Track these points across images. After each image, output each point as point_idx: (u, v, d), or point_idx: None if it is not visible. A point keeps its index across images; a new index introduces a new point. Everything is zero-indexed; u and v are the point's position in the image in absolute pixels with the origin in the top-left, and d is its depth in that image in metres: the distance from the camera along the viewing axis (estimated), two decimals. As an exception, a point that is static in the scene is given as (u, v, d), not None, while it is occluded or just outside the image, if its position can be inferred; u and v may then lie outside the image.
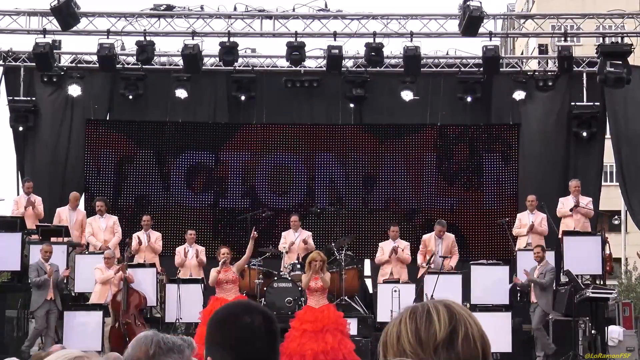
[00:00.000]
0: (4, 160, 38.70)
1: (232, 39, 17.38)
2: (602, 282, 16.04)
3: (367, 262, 18.26)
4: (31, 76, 18.70)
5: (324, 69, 18.10)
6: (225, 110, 19.18)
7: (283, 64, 18.50)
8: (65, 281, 15.16)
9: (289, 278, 15.38)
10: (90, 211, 17.25)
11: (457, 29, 17.16)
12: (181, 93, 18.58)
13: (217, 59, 17.87)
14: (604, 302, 15.08)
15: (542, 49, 19.47)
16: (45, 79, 18.64)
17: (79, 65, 18.83)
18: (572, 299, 14.67)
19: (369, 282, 18.17)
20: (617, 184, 19.04)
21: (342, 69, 18.04)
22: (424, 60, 18.05)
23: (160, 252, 16.71)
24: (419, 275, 15.88)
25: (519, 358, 14.94)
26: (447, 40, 17.93)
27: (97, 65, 17.87)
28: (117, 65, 18.01)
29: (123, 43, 18.26)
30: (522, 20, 19.10)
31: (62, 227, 16.36)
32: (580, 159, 18.54)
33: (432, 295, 14.19)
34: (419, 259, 16.13)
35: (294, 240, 16.52)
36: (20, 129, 18.66)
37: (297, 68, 18.17)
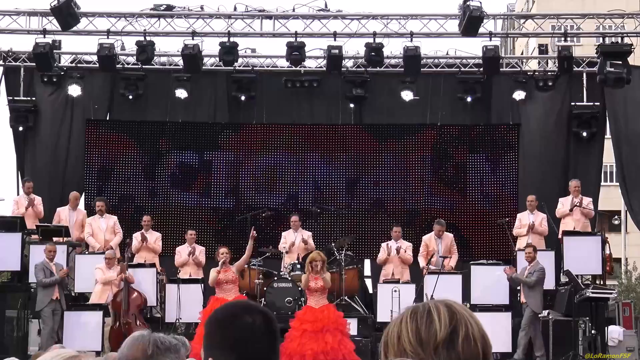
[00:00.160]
0: (4, 160, 38.71)
1: (232, 39, 17.37)
2: (602, 282, 16.04)
3: (367, 262, 18.26)
4: (31, 76, 18.69)
5: (324, 69, 18.09)
6: (225, 110, 19.17)
7: (283, 64, 18.49)
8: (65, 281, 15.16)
9: (289, 278, 15.38)
10: (90, 211, 17.25)
11: (457, 29, 17.16)
12: (181, 93, 18.58)
13: (217, 59, 17.86)
14: (604, 302, 15.08)
15: (542, 49, 19.48)
16: (45, 79, 18.64)
17: (79, 65, 18.82)
18: (572, 299, 14.67)
19: (369, 282, 18.17)
20: (617, 184, 19.05)
21: (342, 69, 18.03)
22: (424, 60, 18.05)
23: (160, 252, 16.71)
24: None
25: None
26: (447, 40, 17.94)
27: (97, 65, 17.87)
28: (117, 65, 18.01)
29: (123, 43, 18.25)
30: (522, 20, 19.10)
31: (62, 227, 16.36)
32: (580, 159, 18.54)
33: (432, 295, 14.19)
34: (421, 261, 16.08)
35: (294, 240, 16.52)
36: (20, 129, 18.66)
37: (297, 68, 18.17)
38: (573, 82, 18.59)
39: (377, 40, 17.43)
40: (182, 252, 16.56)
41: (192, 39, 17.26)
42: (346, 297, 15.67)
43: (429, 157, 18.76)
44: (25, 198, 17.02)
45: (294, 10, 17.66)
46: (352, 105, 19.04)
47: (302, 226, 16.93)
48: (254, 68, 18.86)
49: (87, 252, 16.35)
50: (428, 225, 16.90)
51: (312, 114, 19.19)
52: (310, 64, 18.58)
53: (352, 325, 14.08)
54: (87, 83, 18.71)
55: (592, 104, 18.41)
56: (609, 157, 19.23)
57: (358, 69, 18.64)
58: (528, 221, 16.57)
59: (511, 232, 16.78)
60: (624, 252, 35.87)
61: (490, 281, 15.07)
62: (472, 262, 15.98)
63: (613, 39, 17.51)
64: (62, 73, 18.71)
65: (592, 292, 14.35)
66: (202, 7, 17.73)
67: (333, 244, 16.36)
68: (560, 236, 16.42)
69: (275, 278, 15.53)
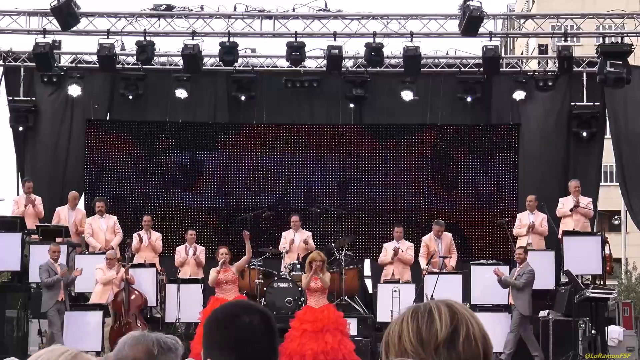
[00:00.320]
0: (4, 160, 38.69)
1: (232, 39, 17.37)
2: (602, 282, 16.03)
3: (367, 262, 18.26)
4: (31, 76, 18.69)
5: (324, 69, 18.09)
6: (225, 110, 19.18)
7: (283, 64, 18.49)
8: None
9: (289, 278, 15.38)
10: (91, 211, 17.25)
11: (457, 29, 17.15)
12: (181, 93, 18.58)
13: (217, 59, 17.86)
14: (604, 302, 15.08)
15: (542, 49, 19.48)
16: (45, 79, 18.64)
17: (79, 65, 18.82)
18: (572, 299, 14.67)
19: (369, 282, 18.17)
20: (617, 184, 19.05)
21: (342, 69, 18.03)
22: (424, 60, 18.05)
23: (160, 252, 16.72)
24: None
25: (519, 358, 14.94)
26: (447, 40, 17.93)
27: (97, 65, 17.86)
28: (117, 65, 18.00)
29: (123, 43, 18.25)
30: (522, 20, 19.09)
31: (62, 227, 16.36)
32: (580, 159, 18.54)
33: (432, 295, 14.18)
34: (422, 262, 16.06)
35: (294, 240, 16.52)
36: (20, 129, 18.66)
37: (297, 68, 18.17)
38: (573, 82, 18.59)
39: (377, 40, 17.42)
40: (182, 252, 16.56)
41: (192, 39, 17.26)
42: (346, 297, 15.67)
43: (429, 157, 18.76)
44: (25, 198, 17.02)
45: (294, 10, 17.65)
46: (352, 105, 19.04)
47: (302, 226, 16.93)
48: (254, 68, 18.86)
49: (87, 252, 16.36)
50: (428, 225, 16.90)
51: (312, 114, 19.19)
52: (310, 64, 18.59)
53: (352, 325, 14.09)
54: (87, 83, 18.71)
55: (592, 104, 18.41)
56: (609, 157, 19.23)
57: (358, 69, 18.64)
58: (528, 221, 16.57)
59: (511, 232, 16.78)
60: (624, 252, 35.87)
61: (490, 281, 15.05)
62: (472, 262, 15.97)
63: (613, 39, 17.51)
64: (62, 73, 18.71)
65: (592, 292, 14.34)
66: (202, 7, 17.72)
67: (333, 244, 16.36)
68: (560, 236, 16.42)
69: (275, 278, 15.53)
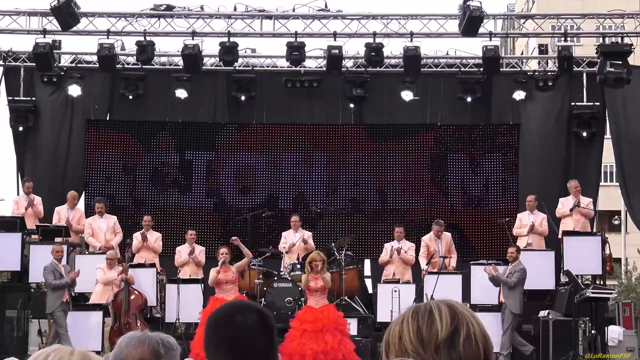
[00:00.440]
0: (4, 160, 38.73)
1: (232, 39, 17.36)
2: (602, 282, 16.04)
3: (367, 262, 18.26)
4: (31, 76, 18.69)
5: (324, 69, 18.09)
6: (225, 110, 19.17)
7: (283, 64, 18.49)
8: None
9: (289, 278, 15.38)
10: (91, 211, 17.26)
11: (457, 29, 17.15)
12: (181, 93, 18.57)
13: (217, 59, 17.86)
14: (604, 302, 15.08)
15: (542, 49, 19.47)
16: (45, 79, 18.63)
17: (79, 65, 18.82)
18: (572, 299, 14.67)
19: (369, 282, 18.17)
20: (617, 184, 19.05)
21: (342, 69, 18.03)
22: (424, 60, 18.05)
23: (160, 252, 16.72)
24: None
25: (519, 358, 14.94)
26: (447, 40, 17.93)
27: (97, 65, 17.86)
28: (117, 65, 18.00)
29: (123, 43, 18.25)
30: (522, 20, 19.09)
31: (62, 227, 16.36)
32: (580, 159, 18.54)
33: (432, 296, 14.18)
34: (422, 262, 16.05)
35: (294, 240, 16.52)
36: (20, 129, 18.66)
37: (297, 68, 18.17)
38: (573, 82, 18.59)
39: (377, 40, 17.42)
40: (182, 252, 16.57)
41: (192, 39, 17.25)
42: (346, 297, 15.67)
43: (429, 157, 18.76)
44: (25, 198, 17.02)
45: (294, 10, 17.65)
46: (352, 105, 19.03)
47: (302, 226, 16.93)
48: (254, 68, 18.86)
49: (87, 252, 16.36)
50: (428, 225, 16.90)
51: (312, 114, 19.19)
52: (310, 64, 18.59)
53: (352, 325, 14.09)
54: (87, 83, 18.71)
55: (592, 104, 18.41)
56: (609, 157, 19.23)
57: (358, 69, 18.64)
58: (528, 221, 16.58)
59: (511, 232, 16.79)
60: (624, 252, 35.85)
61: (490, 281, 15.04)
62: (472, 262, 15.97)
63: (613, 39, 17.50)
64: (62, 73, 18.70)
65: (592, 292, 14.34)
66: (202, 7, 17.72)
67: (333, 244, 16.36)
68: (560, 236, 16.43)
69: (275, 278, 15.53)
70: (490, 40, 17.30)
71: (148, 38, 17.34)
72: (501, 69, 18.12)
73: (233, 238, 14.61)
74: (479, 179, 18.66)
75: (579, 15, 18.08)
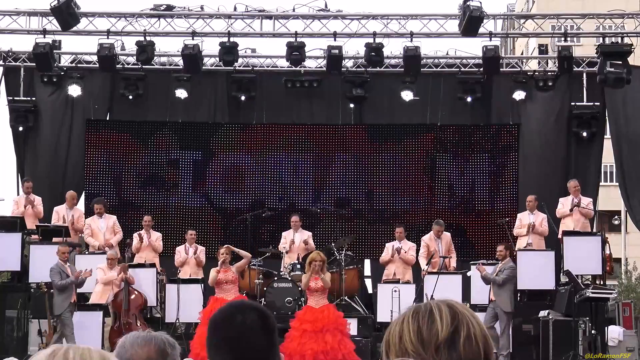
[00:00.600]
0: (4, 160, 38.70)
1: (232, 39, 17.36)
2: (602, 282, 16.04)
3: (367, 262, 18.26)
4: (31, 76, 18.69)
5: (324, 69, 18.09)
6: (225, 110, 19.17)
7: (283, 64, 18.49)
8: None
9: (289, 278, 15.39)
10: (90, 211, 17.25)
11: (457, 29, 17.15)
12: (181, 93, 18.58)
13: (217, 59, 17.86)
14: (604, 302, 15.08)
15: (542, 49, 19.47)
16: (45, 79, 18.64)
17: (79, 65, 18.82)
18: (572, 299, 14.67)
19: (369, 282, 18.17)
20: (617, 184, 19.04)
21: (342, 69, 18.03)
22: (424, 60, 18.05)
23: (160, 252, 16.72)
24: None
25: (519, 358, 14.95)
26: (447, 40, 17.93)
27: (97, 65, 17.86)
28: (117, 65, 18.00)
29: (123, 43, 18.25)
30: (522, 20, 19.09)
31: (62, 227, 16.35)
32: (580, 159, 18.55)
33: (432, 296, 14.17)
34: (422, 262, 16.04)
35: (294, 240, 16.52)
36: (20, 129, 18.65)
37: (297, 68, 18.17)
38: (573, 82, 18.59)
39: (377, 40, 17.42)
40: (182, 252, 16.57)
41: (192, 39, 17.25)
42: (346, 297, 15.67)
43: (429, 157, 18.76)
44: (24, 198, 17.02)
45: (294, 10, 17.65)
46: (352, 105, 19.03)
47: (302, 226, 16.93)
48: (254, 68, 18.86)
49: (87, 252, 16.36)
50: (428, 225, 16.90)
51: (312, 114, 19.19)
52: (310, 64, 18.59)
53: (352, 325, 14.09)
54: (87, 83, 18.71)
55: (592, 104, 18.41)
56: (609, 157, 19.23)
57: (358, 69, 18.64)
58: (528, 221, 16.58)
59: (511, 232, 16.79)
60: (624, 252, 35.84)
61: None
62: (472, 262, 15.96)
63: (613, 39, 17.50)
64: (62, 73, 18.71)
65: (592, 292, 14.34)
66: (202, 7, 17.72)
67: (333, 244, 16.36)
68: (560, 236, 16.43)
69: (275, 278, 15.53)
70: (490, 40, 17.30)
71: (148, 38, 17.34)
72: (501, 69, 18.12)
73: (225, 247, 14.50)
74: (479, 179, 18.66)
75: (579, 15, 18.08)
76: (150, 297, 15.21)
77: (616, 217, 37.09)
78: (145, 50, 17.26)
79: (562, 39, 17.47)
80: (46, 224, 16.60)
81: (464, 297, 14.83)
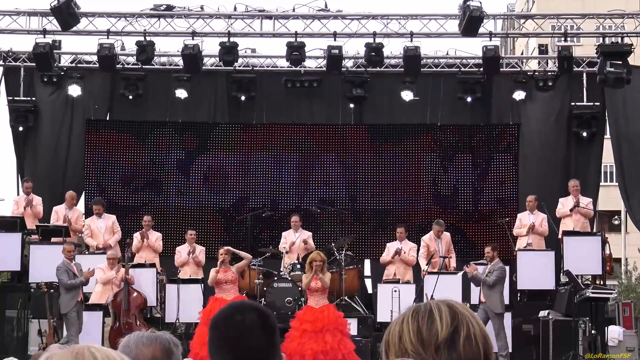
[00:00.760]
0: (4, 160, 38.71)
1: (232, 39, 17.36)
2: (602, 282, 16.04)
3: (367, 262, 18.26)
4: (31, 76, 18.69)
5: (324, 69, 18.09)
6: (225, 110, 19.17)
7: (283, 64, 18.49)
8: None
9: (289, 278, 15.38)
10: (90, 211, 17.26)
11: (457, 29, 17.15)
12: (181, 93, 18.57)
13: (217, 59, 17.86)
14: (604, 302, 15.08)
15: (542, 49, 19.47)
16: (45, 79, 18.63)
17: (79, 65, 18.82)
18: (572, 299, 14.67)
19: (368, 282, 18.17)
20: (617, 184, 19.04)
21: (342, 69, 18.03)
22: (424, 60, 18.04)
23: (160, 252, 16.72)
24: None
25: (518, 358, 14.95)
26: (447, 40, 17.92)
27: (97, 65, 17.86)
28: (117, 65, 18.00)
29: (123, 43, 18.24)
30: (522, 20, 19.09)
31: (62, 227, 16.35)
32: (580, 159, 18.54)
33: (432, 296, 14.16)
34: (422, 263, 16.02)
35: (294, 240, 16.52)
36: (20, 129, 18.65)
37: (297, 68, 18.17)
38: (573, 82, 18.59)
39: (377, 40, 17.42)
40: (182, 252, 16.57)
41: (192, 39, 17.25)
42: (346, 297, 15.67)
43: (429, 157, 18.76)
44: (24, 198, 17.01)
45: (294, 10, 17.65)
46: (352, 105, 19.03)
47: (302, 226, 16.93)
48: (254, 68, 18.86)
49: (87, 252, 16.35)
50: (428, 225, 16.89)
51: (312, 114, 19.19)
52: (310, 64, 18.58)
53: (352, 325, 14.09)
54: (87, 83, 18.71)
55: (592, 104, 18.41)
56: (609, 157, 19.23)
57: (358, 69, 18.63)
58: (528, 221, 16.58)
59: (511, 232, 16.79)
60: (624, 252, 35.85)
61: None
62: (472, 262, 15.94)
63: (613, 39, 17.50)
64: (62, 73, 18.70)
65: (592, 292, 14.34)
66: (202, 7, 17.72)
67: (333, 244, 16.36)
68: (560, 236, 16.43)
69: (275, 278, 15.53)
70: (490, 40, 17.29)
71: (148, 38, 17.33)
72: (501, 69, 18.12)
73: (225, 248, 14.46)
74: (479, 179, 18.66)
75: (579, 15, 18.08)
76: (150, 297, 15.21)
77: (616, 217, 37.09)
78: (145, 50, 17.26)
79: (562, 39, 17.47)
80: (46, 224, 16.60)
81: (464, 297, 14.82)
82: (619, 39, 17.31)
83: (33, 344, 14.78)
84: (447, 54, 18.77)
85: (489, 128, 18.97)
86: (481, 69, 17.97)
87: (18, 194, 17.90)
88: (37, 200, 17.04)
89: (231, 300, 12.86)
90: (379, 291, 15.59)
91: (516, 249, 16.35)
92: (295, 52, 17.24)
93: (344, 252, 16.04)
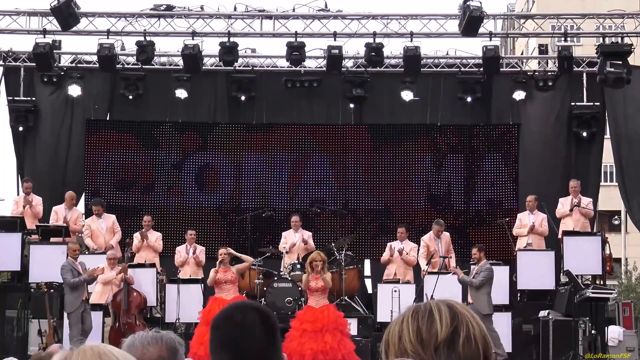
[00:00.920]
0: (4, 160, 38.72)
1: (232, 39, 17.36)
2: (602, 282, 16.04)
3: (367, 262, 18.26)
4: (31, 76, 18.68)
5: (324, 69, 18.09)
6: (225, 110, 19.17)
7: (283, 64, 18.49)
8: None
9: (289, 278, 15.38)
10: (90, 212, 17.26)
11: (457, 29, 17.15)
12: (181, 93, 18.57)
13: (217, 59, 17.86)
14: (604, 302, 15.08)
15: (542, 49, 19.47)
16: (45, 79, 18.63)
17: (79, 65, 18.82)
18: (572, 299, 14.67)
19: (368, 282, 18.17)
20: (617, 184, 19.04)
21: (342, 69, 18.03)
22: (424, 60, 18.04)
23: (160, 251, 16.72)
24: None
25: (519, 358, 14.95)
26: (447, 40, 17.92)
27: (97, 65, 17.86)
28: (117, 65, 18.00)
29: (123, 43, 18.24)
30: (522, 20, 19.09)
31: (62, 226, 16.35)
32: (580, 159, 18.54)
33: (432, 296, 14.16)
34: (422, 263, 16.00)
35: (294, 240, 16.52)
36: (20, 129, 18.65)
37: (297, 68, 18.17)
38: (573, 82, 18.58)
39: (377, 40, 17.42)
40: (182, 252, 16.57)
41: (192, 39, 17.25)
42: (346, 297, 15.67)
43: (429, 157, 18.76)
44: (23, 198, 17.01)
45: (294, 10, 17.65)
46: (352, 105, 19.03)
47: (302, 226, 16.93)
48: (254, 68, 18.85)
49: (86, 252, 16.35)
50: (428, 225, 16.89)
51: (312, 114, 19.19)
52: (310, 64, 18.58)
53: (352, 325, 14.09)
54: (87, 83, 18.70)
55: (592, 104, 18.41)
56: (609, 157, 19.23)
57: (358, 69, 18.63)
58: (528, 221, 16.57)
59: (511, 232, 16.79)
60: (624, 252, 35.87)
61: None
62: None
63: (613, 39, 17.50)
64: (62, 73, 18.70)
65: (592, 292, 14.34)
66: (202, 7, 17.72)
67: (333, 244, 16.36)
68: (560, 236, 16.43)
69: (275, 278, 15.53)
70: (490, 40, 17.29)
71: (148, 38, 17.33)
72: (501, 69, 18.12)
73: (226, 248, 14.46)
74: (479, 179, 18.66)
75: (579, 15, 18.08)
76: (150, 297, 15.21)
77: (616, 217, 37.10)
78: (145, 50, 17.26)
79: (562, 39, 17.46)
80: (46, 224, 16.60)
81: (464, 297, 14.82)
82: (619, 39, 17.31)
83: (33, 344, 14.78)
84: (447, 54, 18.77)
85: (489, 128, 18.97)
86: (481, 69, 17.97)
87: (18, 194, 17.90)
88: (37, 200, 17.04)
89: (231, 300, 12.89)
90: (379, 291, 15.59)
91: (516, 249, 16.36)
92: (295, 52, 17.24)
93: (344, 252, 16.05)
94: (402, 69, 17.96)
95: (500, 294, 15.14)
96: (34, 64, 17.76)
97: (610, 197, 31.45)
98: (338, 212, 18.22)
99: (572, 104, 18.48)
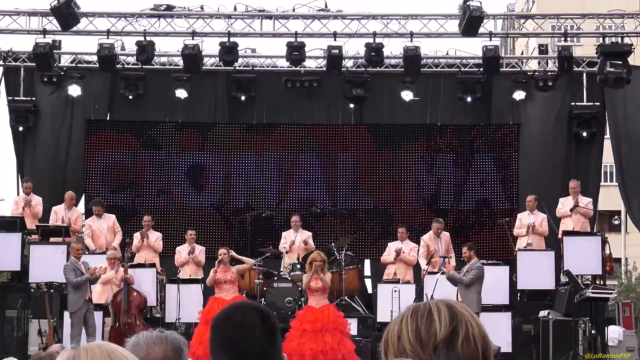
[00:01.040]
0: (4, 160, 38.73)
1: (232, 39, 17.36)
2: (602, 282, 16.04)
3: (367, 262, 18.26)
4: (31, 76, 18.68)
5: (324, 69, 18.09)
6: (225, 110, 19.17)
7: (283, 64, 18.49)
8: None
9: (289, 278, 15.38)
10: (90, 212, 17.26)
11: (457, 29, 17.15)
12: (181, 93, 18.58)
13: (217, 59, 17.86)
14: (604, 302, 15.08)
15: (542, 49, 19.47)
16: (45, 79, 18.63)
17: (79, 65, 18.81)
18: (572, 299, 14.67)
19: (368, 282, 18.17)
20: (617, 184, 19.05)
21: (342, 69, 18.03)
22: (424, 60, 18.04)
23: (160, 252, 16.72)
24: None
25: (519, 358, 14.95)
26: (447, 40, 17.92)
27: (97, 65, 17.86)
28: (117, 65, 17.99)
29: (123, 43, 18.24)
30: (522, 20, 19.09)
31: (62, 227, 16.35)
32: (580, 159, 18.54)
33: (432, 295, 14.16)
34: (422, 262, 15.99)
35: (294, 240, 16.52)
36: (20, 129, 18.65)
37: (297, 68, 18.17)
38: (573, 82, 18.58)
39: (377, 40, 17.42)
40: (182, 252, 16.57)
41: (192, 39, 17.25)
42: (346, 297, 15.67)
43: (429, 157, 18.76)
44: (23, 198, 17.01)
45: (294, 10, 17.65)
46: (352, 105, 19.03)
47: (302, 226, 16.93)
48: (254, 68, 18.85)
49: (87, 252, 16.35)
50: (428, 225, 16.89)
51: (312, 114, 19.19)
52: (310, 64, 18.58)
53: (352, 326, 14.09)
54: (87, 83, 18.70)
55: (592, 104, 18.41)
56: (609, 157, 19.23)
57: (358, 69, 18.63)
58: (528, 221, 16.57)
59: (511, 232, 16.79)
60: (624, 252, 35.89)
61: (490, 281, 15.03)
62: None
63: (613, 39, 17.50)
64: (62, 73, 18.70)
65: (592, 292, 14.34)
66: (202, 7, 17.72)
67: (333, 244, 16.36)
68: (560, 236, 16.43)
69: (275, 278, 15.53)
70: (490, 40, 17.29)
71: (148, 38, 17.33)
72: (501, 69, 18.12)
73: (227, 252, 14.43)
74: (479, 179, 18.66)
75: (579, 15, 18.08)
76: (150, 297, 15.21)
77: (616, 217, 37.10)
78: (145, 50, 17.26)
79: (562, 39, 17.46)
80: (46, 224, 16.60)
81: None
82: (619, 39, 17.31)
83: (33, 344, 14.79)
84: (447, 54, 18.77)
85: (489, 128, 18.98)
86: (481, 69, 17.97)
87: (18, 194, 17.90)
88: (37, 200, 17.04)
89: (231, 300, 12.90)
90: (379, 291, 15.59)
91: (516, 249, 16.35)
92: (295, 52, 17.24)
93: (344, 252, 16.04)
94: (402, 69, 17.96)
95: (500, 294, 15.15)
96: (34, 64, 17.76)
97: (610, 197, 31.46)
98: (338, 212, 18.22)
99: (572, 104, 18.48)
